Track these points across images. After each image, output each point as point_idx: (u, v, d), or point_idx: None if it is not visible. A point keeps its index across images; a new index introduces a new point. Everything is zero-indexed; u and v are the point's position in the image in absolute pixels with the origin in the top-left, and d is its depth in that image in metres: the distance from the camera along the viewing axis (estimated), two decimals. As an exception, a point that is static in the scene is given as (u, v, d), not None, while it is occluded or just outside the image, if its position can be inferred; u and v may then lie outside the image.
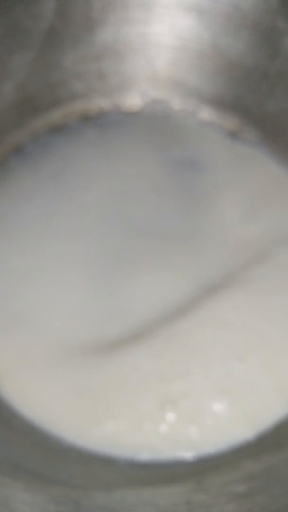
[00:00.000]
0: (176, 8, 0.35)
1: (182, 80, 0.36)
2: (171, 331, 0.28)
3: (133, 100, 0.36)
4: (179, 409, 0.27)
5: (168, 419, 0.27)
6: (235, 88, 0.35)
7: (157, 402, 0.27)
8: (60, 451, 0.27)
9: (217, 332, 0.28)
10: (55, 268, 0.29)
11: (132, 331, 0.28)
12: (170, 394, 0.27)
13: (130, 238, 0.31)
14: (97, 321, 0.29)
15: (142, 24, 0.35)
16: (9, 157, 0.33)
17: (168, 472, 0.27)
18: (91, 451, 0.27)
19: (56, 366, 0.28)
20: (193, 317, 0.28)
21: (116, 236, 0.31)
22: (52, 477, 0.25)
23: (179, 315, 0.29)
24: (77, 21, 0.34)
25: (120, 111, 0.36)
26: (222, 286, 0.29)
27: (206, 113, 0.36)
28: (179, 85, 0.36)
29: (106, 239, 0.30)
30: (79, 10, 0.34)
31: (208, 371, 0.27)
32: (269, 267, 0.30)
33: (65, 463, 0.27)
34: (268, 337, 0.28)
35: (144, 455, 0.27)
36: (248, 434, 0.27)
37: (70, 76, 0.35)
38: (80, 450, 0.27)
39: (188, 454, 0.27)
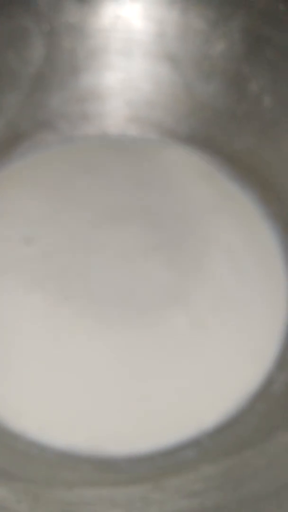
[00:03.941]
0: (152, 57, 0.38)
1: (159, 122, 0.39)
2: None
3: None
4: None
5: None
6: (206, 128, 0.38)
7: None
8: (25, 451, 0.28)
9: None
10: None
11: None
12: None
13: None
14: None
15: (122, 71, 0.38)
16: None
17: (128, 475, 0.28)
18: (56, 451, 0.28)
19: (18, 362, 0.29)
20: None
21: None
22: (15, 474, 0.27)
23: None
24: (63, 67, 0.38)
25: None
26: None
27: (180, 151, 0.39)
28: (155, 126, 0.39)
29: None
30: (65, 57, 0.38)
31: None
32: None
33: (29, 462, 0.28)
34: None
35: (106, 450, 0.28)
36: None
37: (56, 116, 0.38)
38: (45, 450, 0.28)
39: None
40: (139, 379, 0.29)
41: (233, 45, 0.37)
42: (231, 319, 0.31)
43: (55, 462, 0.28)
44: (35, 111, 0.38)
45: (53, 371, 0.29)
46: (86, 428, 0.28)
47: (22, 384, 0.29)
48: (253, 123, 0.37)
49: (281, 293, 0.32)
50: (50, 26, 0.37)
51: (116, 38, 0.38)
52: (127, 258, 0.32)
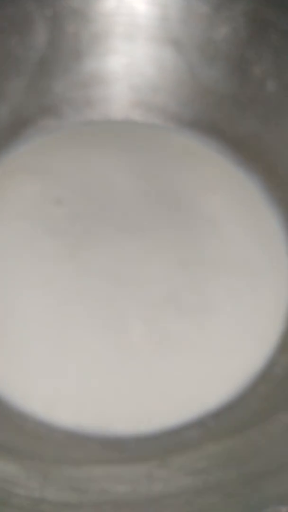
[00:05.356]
0: (156, 41, 0.38)
1: (162, 106, 0.39)
2: None
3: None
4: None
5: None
6: (210, 113, 0.38)
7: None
8: (34, 430, 0.29)
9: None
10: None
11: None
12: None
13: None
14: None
15: (126, 55, 0.38)
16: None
17: (134, 453, 0.28)
18: (64, 431, 0.29)
19: (26, 342, 0.30)
20: None
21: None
22: (25, 452, 0.27)
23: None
24: (66, 52, 0.38)
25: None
26: None
27: (184, 136, 0.39)
28: (159, 110, 0.39)
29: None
30: (68, 41, 0.38)
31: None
32: None
33: (38, 442, 0.28)
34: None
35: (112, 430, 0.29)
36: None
37: (60, 101, 0.39)
38: (53, 430, 0.29)
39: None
40: (145, 361, 0.30)
41: (236, 29, 0.37)
42: (233, 302, 0.31)
43: (63, 442, 0.28)
44: (39, 96, 0.38)
45: (61, 352, 0.30)
46: (94, 408, 0.29)
47: (30, 365, 0.30)
48: (257, 108, 0.37)
49: (284, 278, 0.32)
50: (53, 11, 0.37)
51: (119, 23, 0.38)
52: (130, 238, 0.33)
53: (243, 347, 0.30)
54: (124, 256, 0.32)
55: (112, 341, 0.30)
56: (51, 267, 0.32)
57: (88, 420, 0.29)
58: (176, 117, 0.39)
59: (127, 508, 0.25)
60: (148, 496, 0.25)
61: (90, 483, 0.26)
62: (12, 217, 0.34)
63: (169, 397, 0.29)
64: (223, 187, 0.36)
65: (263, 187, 0.37)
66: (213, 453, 0.27)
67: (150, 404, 0.29)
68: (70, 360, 0.30)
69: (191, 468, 0.26)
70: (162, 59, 0.38)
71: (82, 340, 0.30)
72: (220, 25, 0.37)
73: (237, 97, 0.37)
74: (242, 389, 0.29)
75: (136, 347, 0.30)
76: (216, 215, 0.35)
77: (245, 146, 0.38)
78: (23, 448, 0.27)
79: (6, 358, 0.30)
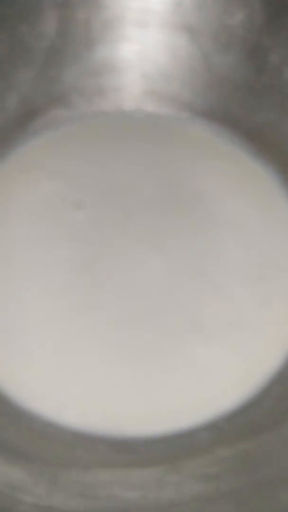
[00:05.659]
0: (169, 27, 0.37)
1: (176, 95, 0.38)
2: None
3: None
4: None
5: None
6: (224, 102, 0.37)
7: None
8: (42, 431, 0.28)
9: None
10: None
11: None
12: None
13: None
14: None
15: (138, 43, 0.37)
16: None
17: (144, 456, 0.28)
18: (72, 431, 0.28)
19: (35, 343, 0.29)
20: None
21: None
22: (32, 455, 0.27)
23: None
24: (77, 39, 0.37)
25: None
26: None
27: (198, 126, 0.38)
28: (172, 99, 0.38)
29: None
30: (79, 29, 0.37)
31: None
32: None
33: (46, 443, 0.28)
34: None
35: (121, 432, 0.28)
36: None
37: (71, 91, 0.38)
38: (61, 430, 0.28)
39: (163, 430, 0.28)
40: (157, 361, 0.29)
41: (252, 15, 0.35)
42: (250, 304, 0.30)
43: (71, 443, 0.28)
44: (49, 86, 0.37)
45: (70, 352, 0.29)
46: (103, 409, 0.28)
47: (38, 365, 0.29)
48: (274, 97, 0.36)
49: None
50: (63, -3, 0.36)
51: (131, 9, 0.37)
52: (150, 252, 0.32)
53: (258, 349, 0.29)
54: (143, 272, 0.31)
55: (121, 340, 0.30)
56: (64, 277, 0.31)
57: (97, 421, 0.28)
58: (189, 107, 0.38)
59: (136, 515, 0.24)
60: (158, 503, 0.24)
61: (98, 488, 0.25)
62: (25, 219, 0.32)
63: (180, 398, 0.28)
64: (239, 181, 0.35)
65: (280, 179, 0.36)
66: (225, 457, 0.27)
67: (160, 405, 0.28)
68: (78, 360, 0.29)
69: (202, 474, 0.26)
70: (176, 46, 0.37)
71: (92, 343, 0.29)
72: (235, 10, 0.36)
73: (252, 86, 0.36)
74: (256, 390, 0.28)
75: (146, 347, 0.29)
76: (234, 214, 0.34)
77: (261, 136, 0.37)
78: (30, 451, 0.27)
79: (15, 359, 0.29)
